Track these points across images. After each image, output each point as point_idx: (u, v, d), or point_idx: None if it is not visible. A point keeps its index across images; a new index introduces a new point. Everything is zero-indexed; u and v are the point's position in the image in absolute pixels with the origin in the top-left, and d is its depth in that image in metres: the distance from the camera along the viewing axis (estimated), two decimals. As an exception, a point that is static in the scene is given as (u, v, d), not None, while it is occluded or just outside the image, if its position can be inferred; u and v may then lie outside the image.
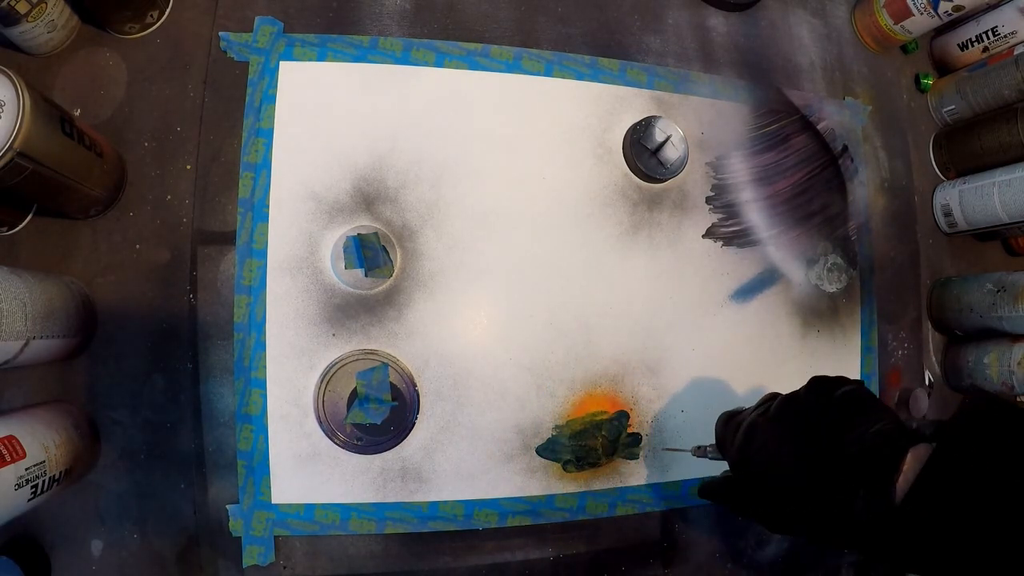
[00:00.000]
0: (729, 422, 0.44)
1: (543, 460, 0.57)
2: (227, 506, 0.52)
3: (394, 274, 0.56)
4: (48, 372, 0.51)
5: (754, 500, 0.40)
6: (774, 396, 0.43)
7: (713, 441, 0.47)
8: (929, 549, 0.30)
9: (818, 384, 0.39)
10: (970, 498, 0.29)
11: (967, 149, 0.70)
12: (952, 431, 0.32)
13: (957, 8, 0.63)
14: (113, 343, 0.53)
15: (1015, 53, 0.67)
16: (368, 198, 0.57)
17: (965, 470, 0.30)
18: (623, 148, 0.62)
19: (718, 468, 0.47)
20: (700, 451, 0.50)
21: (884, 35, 0.69)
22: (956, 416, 0.33)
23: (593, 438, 0.58)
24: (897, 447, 0.33)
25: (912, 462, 0.32)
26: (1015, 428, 0.31)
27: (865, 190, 0.69)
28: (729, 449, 0.43)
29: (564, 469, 0.58)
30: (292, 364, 0.54)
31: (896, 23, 0.67)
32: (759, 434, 0.40)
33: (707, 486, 0.45)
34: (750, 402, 0.45)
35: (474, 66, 0.60)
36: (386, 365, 0.55)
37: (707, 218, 0.63)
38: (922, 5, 0.64)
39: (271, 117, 0.56)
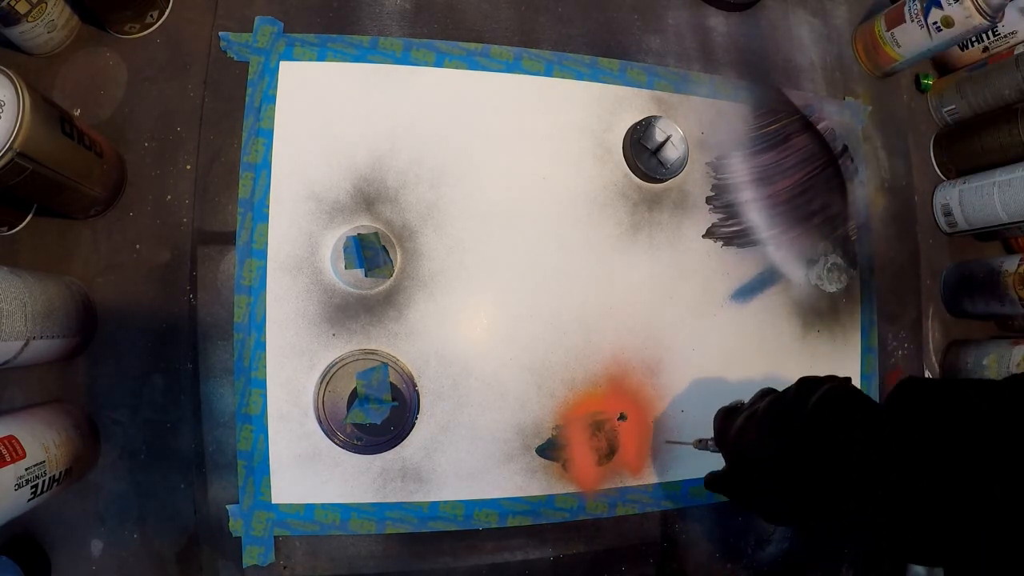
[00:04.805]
0: (726, 419, 0.45)
1: (543, 460, 0.57)
2: (227, 506, 0.52)
3: (394, 274, 0.56)
4: (48, 372, 0.51)
5: (749, 494, 0.41)
6: (769, 391, 0.44)
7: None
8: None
9: (801, 386, 0.40)
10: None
11: (967, 149, 0.70)
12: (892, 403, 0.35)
13: (946, 21, 0.62)
14: (113, 343, 0.53)
15: (1015, 53, 0.67)
16: (368, 198, 0.57)
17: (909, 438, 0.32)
18: (623, 148, 0.62)
19: (720, 461, 0.47)
20: (701, 444, 0.50)
21: (875, 44, 0.68)
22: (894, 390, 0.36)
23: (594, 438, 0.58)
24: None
25: None
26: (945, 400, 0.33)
27: (865, 190, 0.69)
28: (725, 446, 0.44)
29: (564, 469, 0.58)
30: (292, 364, 0.54)
31: (888, 29, 0.67)
32: (747, 435, 0.41)
33: (710, 478, 0.46)
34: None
35: (474, 66, 0.60)
36: (386, 365, 0.55)
37: (707, 218, 0.63)
38: (915, 12, 0.64)
39: (271, 117, 0.56)
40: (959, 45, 0.71)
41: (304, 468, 0.53)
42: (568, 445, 0.58)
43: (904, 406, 0.34)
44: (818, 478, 0.35)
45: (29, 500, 0.43)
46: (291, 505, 0.53)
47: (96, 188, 0.51)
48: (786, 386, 0.42)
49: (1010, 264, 0.66)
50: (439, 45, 0.59)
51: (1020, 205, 0.63)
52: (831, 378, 0.40)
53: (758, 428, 0.40)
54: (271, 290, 0.54)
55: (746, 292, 0.64)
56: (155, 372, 0.53)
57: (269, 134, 0.56)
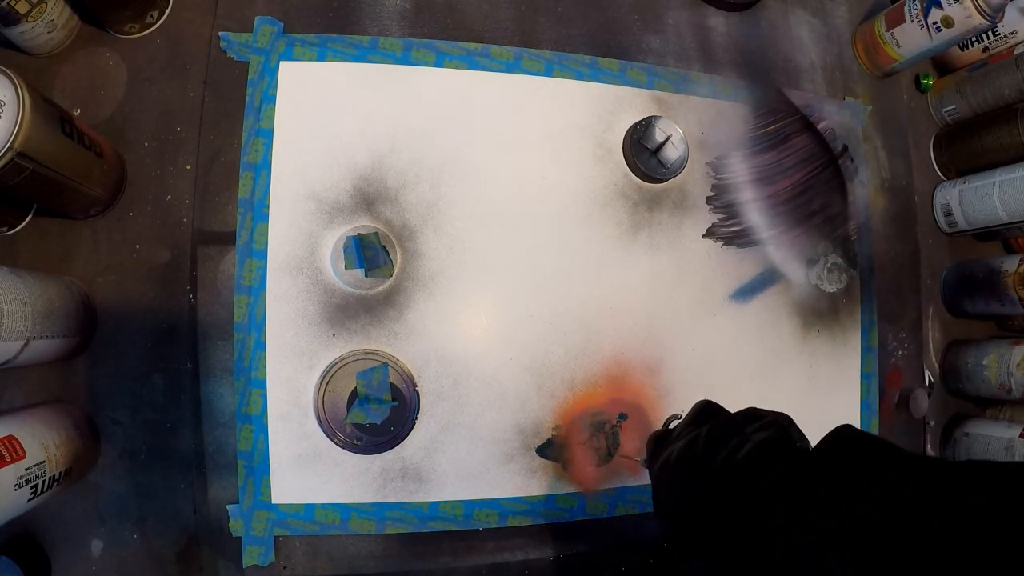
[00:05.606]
0: (655, 451, 0.43)
1: (543, 460, 0.57)
2: (227, 506, 0.52)
3: (394, 274, 0.56)
4: (48, 372, 0.51)
5: (671, 529, 0.38)
6: (705, 409, 0.41)
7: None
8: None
9: (711, 435, 0.37)
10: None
11: (967, 149, 0.70)
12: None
13: (946, 21, 0.62)
14: (113, 343, 0.53)
15: (1015, 53, 0.67)
16: (368, 198, 0.57)
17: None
18: (623, 148, 0.62)
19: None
20: (646, 463, 0.46)
21: (875, 44, 0.68)
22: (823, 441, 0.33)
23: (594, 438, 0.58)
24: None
25: None
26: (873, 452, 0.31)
27: (865, 190, 0.69)
28: (652, 480, 0.41)
29: (564, 469, 0.58)
30: (292, 364, 0.54)
31: (888, 29, 0.67)
32: (663, 482, 0.39)
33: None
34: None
35: (474, 66, 0.60)
36: (386, 365, 0.55)
37: (707, 218, 0.63)
38: (915, 12, 0.64)
39: (271, 117, 0.56)
40: (959, 45, 0.71)
41: (304, 468, 0.53)
42: (568, 445, 0.58)
43: (836, 452, 0.31)
44: (736, 522, 0.32)
45: (29, 500, 0.43)
46: (291, 505, 0.53)
47: (96, 188, 0.51)
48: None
49: (1010, 264, 0.66)
50: (439, 45, 0.59)
51: (1020, 205, 0.63)
52: (755, 418, 0.36)
53: (671, 476, 0.38)
54: (271, 290, 0.54)
55: (746, 292, 0.64)
56: (155, 372, 0.53)
57: (269, 134, 0.56)
